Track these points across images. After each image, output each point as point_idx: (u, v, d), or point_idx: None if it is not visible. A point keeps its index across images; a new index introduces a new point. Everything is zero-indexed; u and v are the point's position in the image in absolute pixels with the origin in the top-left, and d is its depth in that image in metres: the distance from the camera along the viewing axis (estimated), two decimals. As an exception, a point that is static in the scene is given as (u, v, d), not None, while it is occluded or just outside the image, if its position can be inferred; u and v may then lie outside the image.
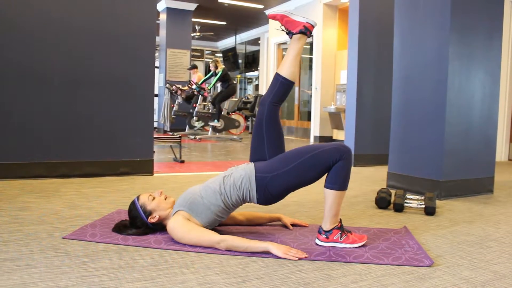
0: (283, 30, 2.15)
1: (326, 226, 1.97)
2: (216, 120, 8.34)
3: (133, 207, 2.07)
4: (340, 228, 1.98)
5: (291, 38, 2.12)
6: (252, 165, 2.03)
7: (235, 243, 1.85)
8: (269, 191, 1.96)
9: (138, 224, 2.06)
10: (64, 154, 3.58)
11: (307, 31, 2.08)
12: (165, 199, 2.10)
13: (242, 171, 2.00)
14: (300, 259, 1.79)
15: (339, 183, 1.92)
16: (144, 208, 2.05)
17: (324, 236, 1.98)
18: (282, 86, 2.08)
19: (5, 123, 3.41)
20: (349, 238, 1.97)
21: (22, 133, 3.46)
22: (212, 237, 1.88)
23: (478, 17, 3.31)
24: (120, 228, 2.09)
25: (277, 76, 2.09)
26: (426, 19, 3.35)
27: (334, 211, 1.96)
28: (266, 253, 1.83)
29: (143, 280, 1.53)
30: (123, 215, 2.36)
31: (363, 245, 1.97)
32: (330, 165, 1.92)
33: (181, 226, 1.91)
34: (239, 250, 1.84)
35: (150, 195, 2.09)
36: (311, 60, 9.11)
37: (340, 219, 2.01)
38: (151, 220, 2.04)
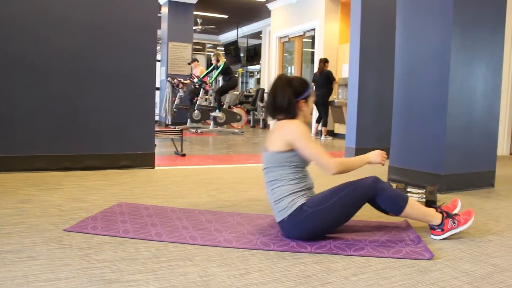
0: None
1: (436, 222, 2.03)
2: (217, 110, 8.32)
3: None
4: (448, 215, 2.03)
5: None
6: None
7: (348, 164, 1.96)
8: (303, 225, 1.90)
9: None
10: (66, 147, 3.59)
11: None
12: None
13: None
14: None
15: (395, 210, 1.98)
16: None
17: (440, 230, 2.02)
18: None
19: (7, 116, 3.41)
20: (461, 220, 2.03)
21: (24, 126, 3.46)
22: (327, 155, 1.94)
23: (481, 10, 3.29)
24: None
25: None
26: (428, 12, 3.33)
27: (424, 216, 2.02)
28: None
29: (144, 272, 1.54)
30: (124, 208, 2.36)
31: (364, 238, 1.98)
32: (365, 201, 1.95)
33: (307, 132, 1.97)
34: (350, 170, 1.97)
35: None
36: (312, 53, 9.08)
37: (440, 206, 2.09)
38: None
